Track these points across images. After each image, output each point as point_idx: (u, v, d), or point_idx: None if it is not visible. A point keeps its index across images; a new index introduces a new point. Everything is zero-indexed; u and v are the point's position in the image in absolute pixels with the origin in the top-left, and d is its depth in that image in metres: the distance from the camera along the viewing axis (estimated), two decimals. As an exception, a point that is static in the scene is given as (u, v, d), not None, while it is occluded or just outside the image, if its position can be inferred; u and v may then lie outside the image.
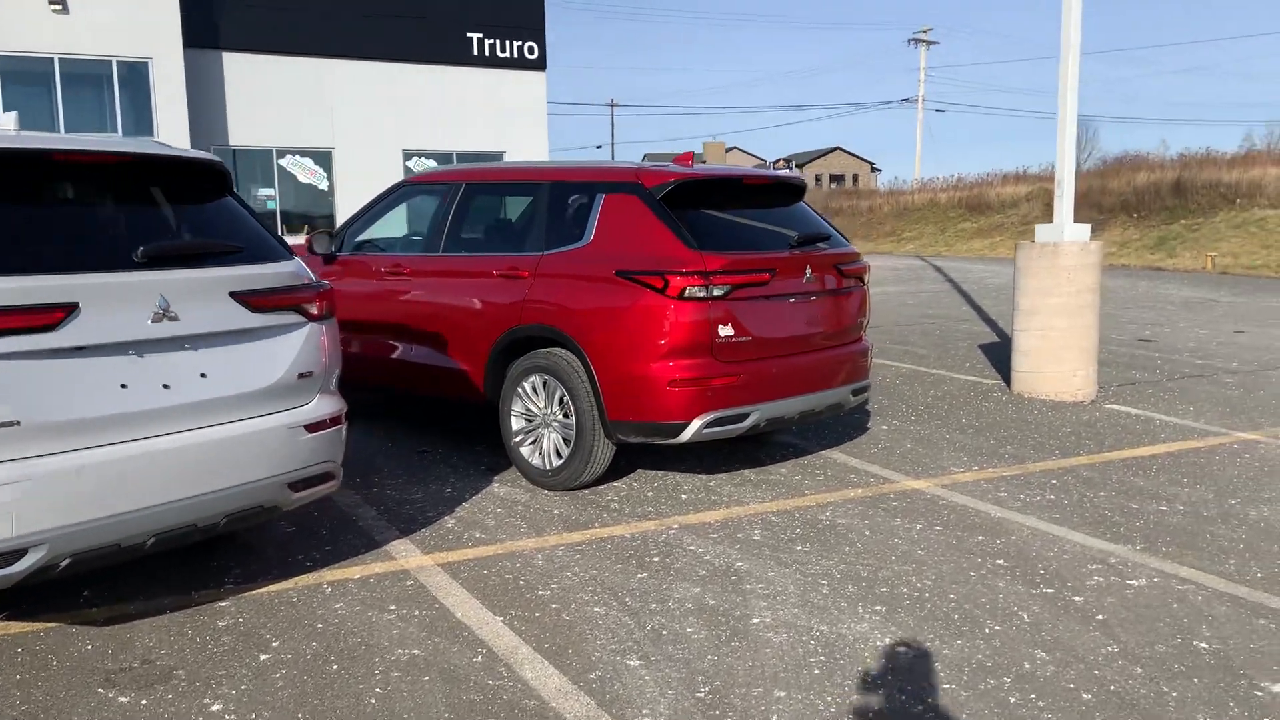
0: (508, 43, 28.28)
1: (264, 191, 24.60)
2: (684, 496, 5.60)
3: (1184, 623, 3.89)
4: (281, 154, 25.14)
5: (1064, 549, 4.75)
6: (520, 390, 5.68)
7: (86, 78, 22.28)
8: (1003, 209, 32.16)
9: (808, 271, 5.64)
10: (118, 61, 22.29)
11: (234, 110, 24.19)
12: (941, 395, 8.52)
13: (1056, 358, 8.02)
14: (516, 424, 5.74)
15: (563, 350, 5.49)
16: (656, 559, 4.60)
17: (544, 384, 5.59)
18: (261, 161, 24.62)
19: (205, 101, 23.67)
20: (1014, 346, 8.37)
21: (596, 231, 5.48)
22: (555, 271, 5.57)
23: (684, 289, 5.13)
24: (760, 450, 6.59)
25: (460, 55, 27.82)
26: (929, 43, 52.28)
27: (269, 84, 24.45)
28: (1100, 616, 3.95)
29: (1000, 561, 4.58)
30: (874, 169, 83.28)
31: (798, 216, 6.01)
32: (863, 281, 6.17)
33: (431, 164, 27.19)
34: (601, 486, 5.72)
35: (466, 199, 6.34)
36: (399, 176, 27.72)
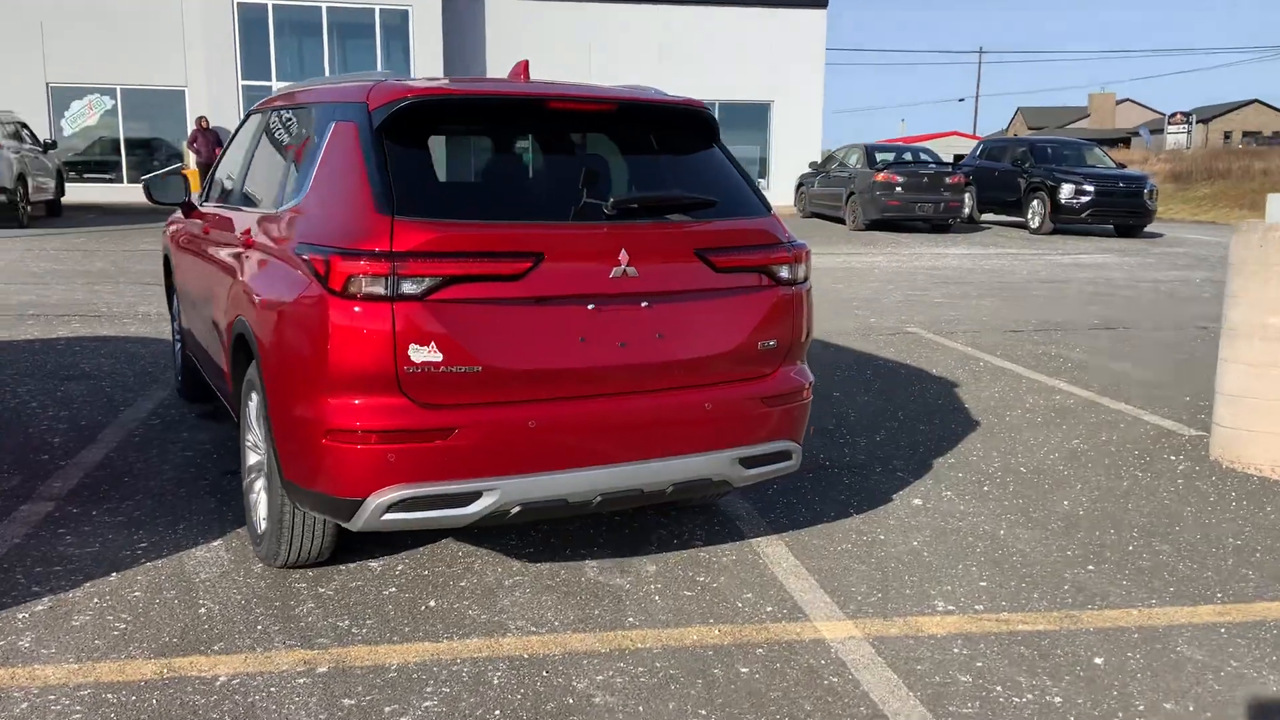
0: (782, -22, 25.60)
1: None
2: (432, 604, 3.41)
3: None
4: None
5: None
6: (247, 410, 3.73)
7: (352, 26, 22.74)
8: None
9: (623, 259, 3.19)
10: (380, 10, 22.49)
11: (493, 57, 23.77)
12: (1084, 450, 5.42)
13: (1275, 413, 4.69)
14: (251, 457, 3.80)
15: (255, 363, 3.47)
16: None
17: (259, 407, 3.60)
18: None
19: (464, 48, 23.43)
20: (1217, 384, 5.08)
21: (314, 179, 3.38)
22: (262, 242, 3.58)
23: (348, 279, 2.93)
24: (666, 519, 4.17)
25: (728, -8, 25.51)
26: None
27: (527, 30, 23.76)
28: None
29: None
30: (1302, 125, 69.52)
31: (667, 168, 3.55)
32: (780, 279, 3.56)
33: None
34: (340, 566, 3.68)
35: (260, 132, 4.44)
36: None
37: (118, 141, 23.72)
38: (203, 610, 3.30)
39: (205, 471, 4.65)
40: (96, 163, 23.48)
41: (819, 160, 23.60)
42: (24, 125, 17.52)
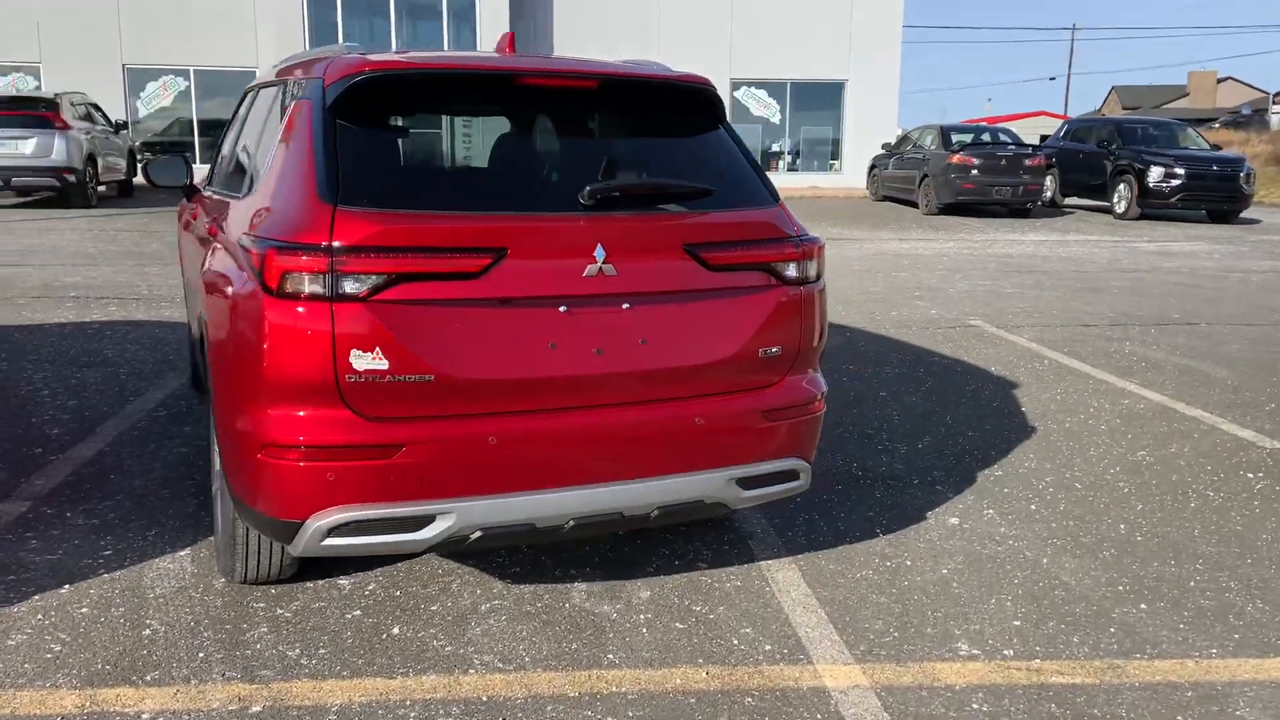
0: (857, -48, 24.76)
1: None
2: (395, 631, 3.11)
3: None
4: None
5: None
6: (210, 411, 3.47)
7: (420, 7, 22.64)
8: None
9: (599, 255, 2.82)
10: (445, -10, 22.34)
11: (561, 37, 23.47)
12: (1149, 463, 4.88)
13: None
14: (216, 462, 3.54)
15: None
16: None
17: (221, 406, 3.32)
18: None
19: (534, 28, 23.16)
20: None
21: (270, 164, 3.09)
22: (222, 232, 3.32)
23: (283, 275, 2.62)
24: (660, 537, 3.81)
25: (802, -34, 24.76)
26: None
27: (595, 9, 23.39)
28: None
29: None
30: None
31: (659, 153, 3.18)
32: (786, 278, 3.15)
33: (762, 94, 24.74)
34: (307, 583, 3.41)
35: (246, 111, 4.17)
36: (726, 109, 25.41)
37: (191, 122, 24.08)
38: (147, 632, 3.06)
39: (195, 470, 4.44)
40: (171, 144, 23.85)
41: (892, 142, 22.81)
42: (96, 107, 17.79)
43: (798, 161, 25.87)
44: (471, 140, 3.35)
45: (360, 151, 2.80)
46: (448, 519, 2.74)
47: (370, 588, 3.39)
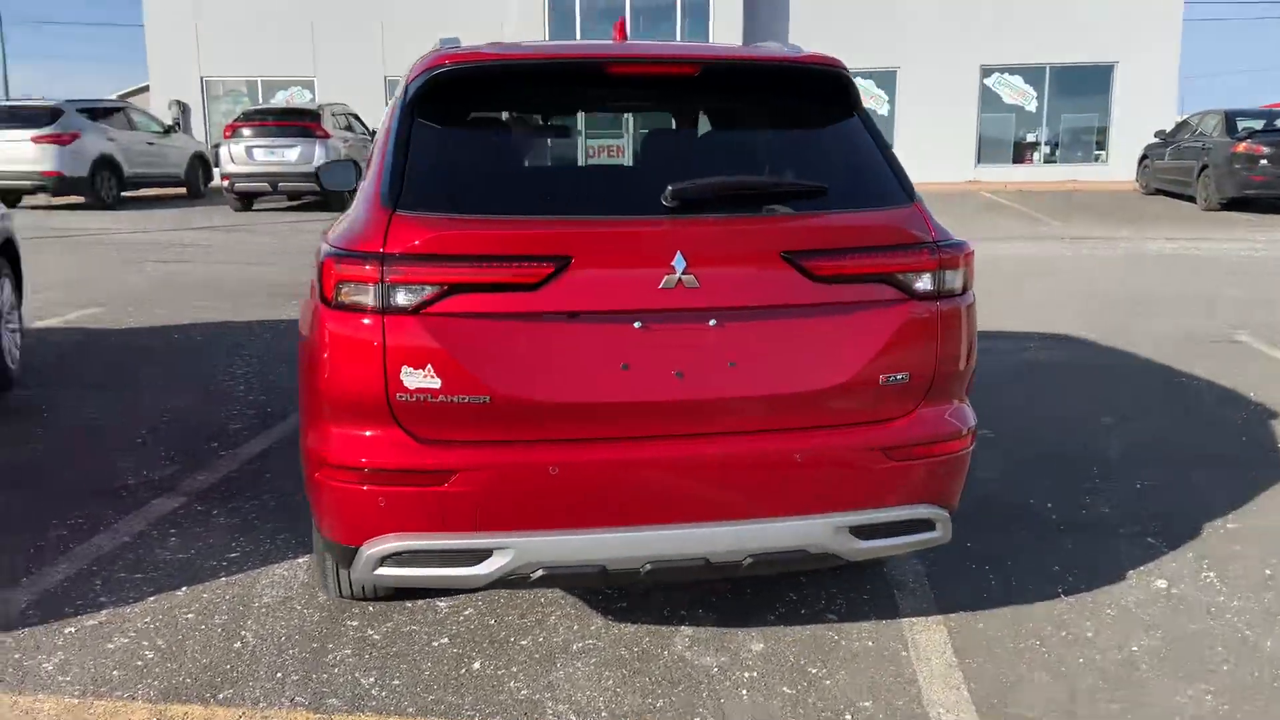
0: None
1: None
2: (476, 666, 2.89)
3: None
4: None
5: None
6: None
7: (654, 10, 22.78)
8: None
9: (678, 264, 2.44)
10: (683, -11, 22.35)
11: (797, 35, 22.89)
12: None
13: None
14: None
15: None
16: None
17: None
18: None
19: (771, 27, 22.73)
20: None
21: (367, 167, 2.96)
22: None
23: (338, 286, 2.46)
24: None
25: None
26: None
27: (834, 5, 22.62)
28: None
29: None
30: None
31: (772, 147, 2.75)
32: (916, 291, 2.63)
33: (1016, 81, 22.98)
34: (407, 603, 3.26)
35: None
36: (973, 97, 23.82)
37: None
38: (238, 644, 3.01)
39: (344, 473, 4.46)
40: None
41: (1168, 130, 20.52)
42: (356, 116, 19.15)
43: (1056, 153, 23.88)
44: (557, 138, 3.05)
45: (431, 151, 2.60)
46: (505, 555, 2.48)
47: (467, 613, 3.20)
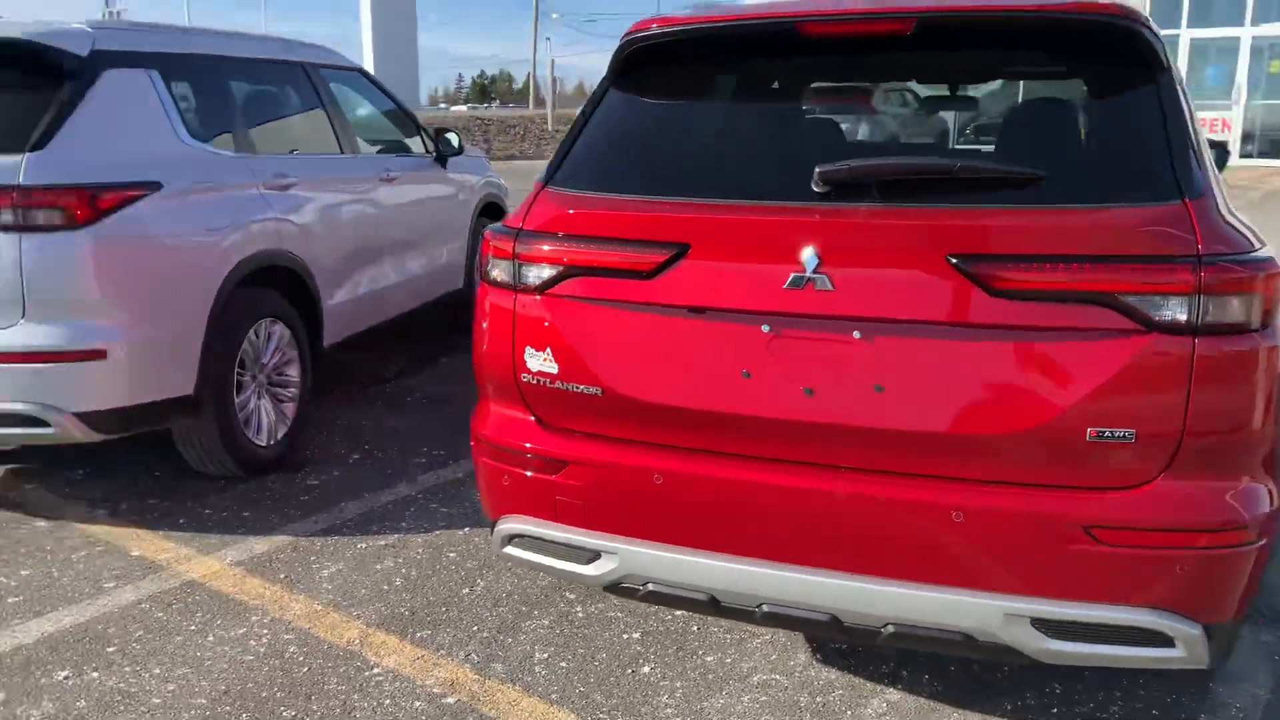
0: None
1: None
2: (646, 669, 2.72)
3: None
4: None
5: None
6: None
7: None
8: None
9: (807, 260, 2.00)
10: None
11: None
12: None
13: None
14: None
15: None
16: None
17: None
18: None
19: None
20: None
21: None
22: None
23: (488, 260, 2.44)
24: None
25: None
26: None
27: None
28: None
29: None
30: None
31: (995, 122, 2.21)
32: (1157, 322, 1.86)
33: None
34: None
35: None
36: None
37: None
38: (466, 590, 3.21)
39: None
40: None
41: None
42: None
43: None
44: (744, 109, 2.56)
45: (605, 124, 2.44)
46: (612, 560, 2.30)
47: (677, 613, 3.05)
